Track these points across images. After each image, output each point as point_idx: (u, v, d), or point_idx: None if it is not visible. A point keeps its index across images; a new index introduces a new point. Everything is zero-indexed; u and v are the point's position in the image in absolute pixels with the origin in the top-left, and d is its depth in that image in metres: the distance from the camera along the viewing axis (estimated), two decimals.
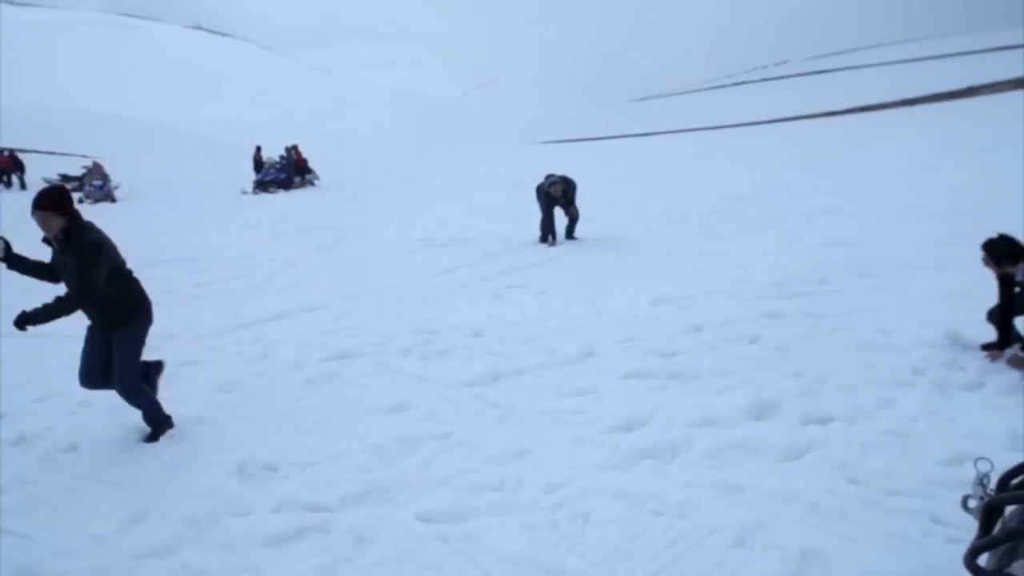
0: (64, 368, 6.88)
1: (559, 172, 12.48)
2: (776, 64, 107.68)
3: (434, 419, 5.41)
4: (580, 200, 12.25)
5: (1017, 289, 5.69)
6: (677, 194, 16.76)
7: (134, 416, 5.58)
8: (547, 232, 12.15)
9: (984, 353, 5.85)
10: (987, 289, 7.62)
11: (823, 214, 12.73)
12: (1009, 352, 5.66)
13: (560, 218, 12.28)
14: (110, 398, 6.04)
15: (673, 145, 34.43)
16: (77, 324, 8.50)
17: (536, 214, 12.28)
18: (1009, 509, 2.58)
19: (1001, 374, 5.53)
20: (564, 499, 4.14)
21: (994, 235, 5.75)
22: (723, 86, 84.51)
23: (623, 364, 6.21)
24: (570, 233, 12.38)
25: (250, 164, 28.27)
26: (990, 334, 6.15)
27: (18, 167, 29.44)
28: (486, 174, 25.04)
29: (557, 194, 11.98)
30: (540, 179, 12.36)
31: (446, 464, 4.69)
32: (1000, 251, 5.65)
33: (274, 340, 7.55)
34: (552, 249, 11.70)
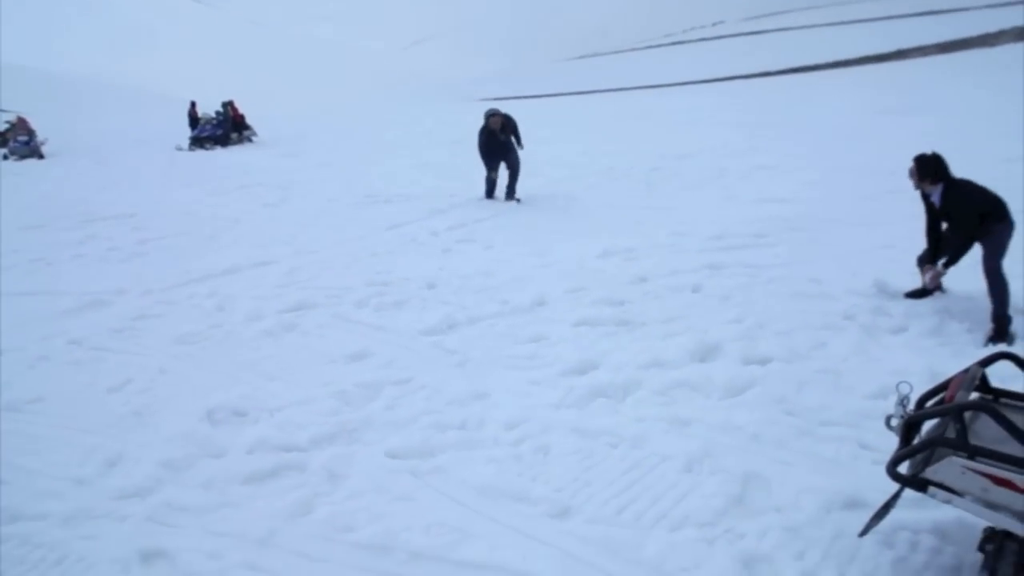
0: (13, 324, 6.88)
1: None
2: (713, 24, 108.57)
3: (394, 366, 5.61)
4: (524, 156, 12.29)
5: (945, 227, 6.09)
6: (618, 152, 17.03)
7: (96, 366, 5.66)
8: (492, 190, 12.08)
9: (907, 298, 6.36)
10: (912, 242, 8.12)
11: (759, 171, 13.17)
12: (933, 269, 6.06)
13: (502, 176, 12.10)
14: (70, 351, 6.11)
15: (613, 104, 34.70)
16: (18, 282, 8.45)
17: (480, 170, 12.16)
18: (926, 425, 2.93)
19: (923, 319, 5.98)
20: (524, 435, 4.40)
21: (929, 152, 6.09)
22: (661, 45, 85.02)
23: (573, 312, 6.49)
24: (511, 192, 12.08)
25: (184, 120, 27.58)
26: (915, 282, 6.61)
27: None
28: (427, 130, 24.94)
29: (496, 127, 11.72)
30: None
31: (409, 406, 4.90)
32: (926, 169, 6.01)
33: (228, 294, 7.60)
34: (498, 205, 11.79)
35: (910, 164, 6.14)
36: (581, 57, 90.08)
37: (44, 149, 23.08)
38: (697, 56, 60.70)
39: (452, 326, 6.40)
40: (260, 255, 9.21)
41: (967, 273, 6.79)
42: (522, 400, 4.91)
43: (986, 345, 5.54)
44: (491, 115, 11.82)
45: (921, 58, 37.78)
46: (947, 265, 5.94)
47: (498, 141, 11.85)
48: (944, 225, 6.20)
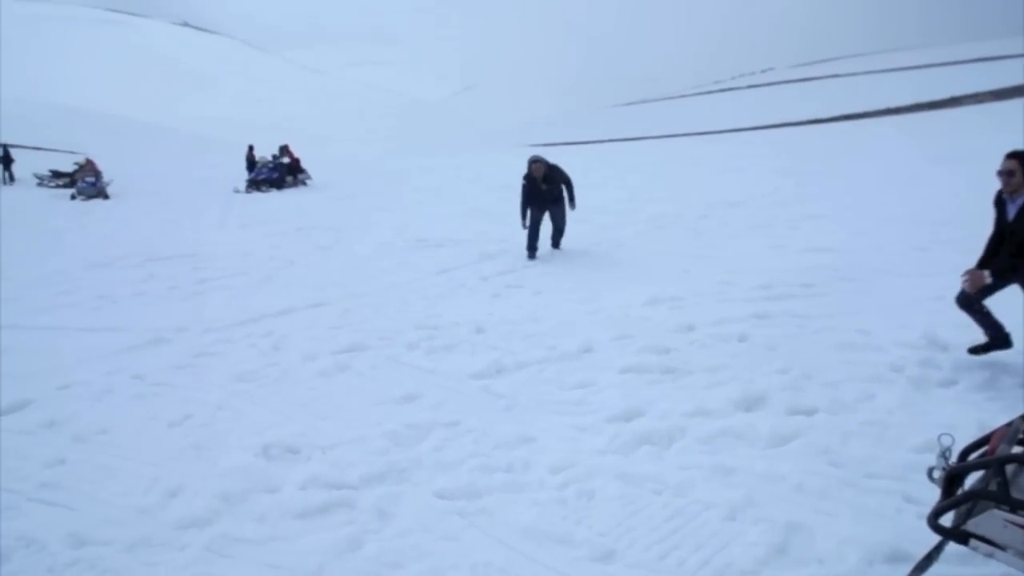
0: (80, 358, 7.21)
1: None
2: (763, 71, 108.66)
3: (443, 408, 5.74)
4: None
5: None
6: (666, 199, 17.15)
7: (158, 401, 5.91)
8: (533, 241, 11.33)
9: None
10: None
11: (808, 220, 13.14)
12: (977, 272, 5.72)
13: (546, 225, 11.54)
14: (133, 385, 6.38)
15: (662, 150, 34.91)
16: (84, 318, 8.82)
17: None
18: (971, 478, 2.96)
19: (973, 372, 5.92)
20: (569, 479, 4.48)
21: None
22: (711, 92, 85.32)
23: (620, 359, 6.57)
24: (556, 243, 11.69)
25: (242, 163, 28.50)
26: (965, 335, 6.56)
27: (7, 160, 29.57)
28: (476, 176, 25.37)
29: (538, 175, 11.13)
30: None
31: (458, 448, 5.02)
32: None
33: (284, 334, 7.86)
34: (544, 251, 11.61)
35: (1007, 164, 5.55)
36: (631, 103, 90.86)
37: (109, 190, 24.09)
38: (747, 103, 60.77)
39: (500, 370, 6.52)
40: (314, 296, 9.49)
41: (1022, 328, 6.76)
42: (568, 445, 4.99)
43: None
44: (534, 162, 11.30)
45: (975, 105, 37.34)
46: (994, 275, 5.59)
47: (539, 190, 11.27)
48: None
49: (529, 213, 11.39)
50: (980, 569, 3.28)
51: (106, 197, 23.46)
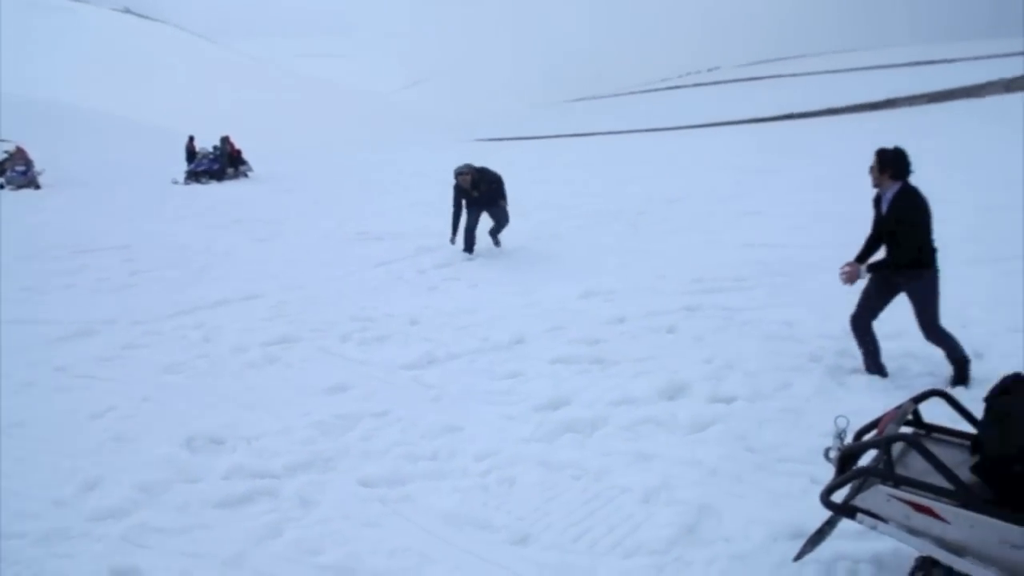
0: (4, 351, 7.04)
1: (493, 169, 11.43)
2: (709, 70, 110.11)
3: (373, 399, 5.77)
4: (515, 198, 12.38)
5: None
6: (609, 194, 17.33)
7: (81, 393, 5.82)
8: (458, 233, 11.04)
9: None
10: None
11: (745, 216, 13.43)
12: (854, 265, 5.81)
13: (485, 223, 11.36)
14: (56, 377, 6.26)
15: (607, 147, 35.16)
16: (9, 310, 8.59)
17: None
18: (866, 458, 3.10)
19: (887, 362, 6.15)
20: (492, 467, 4.56)
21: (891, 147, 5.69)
22: (658, 89, 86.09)
23: (551, 351, 6.67)
24: (495, 238, 11.46)
25: (182, 153, 27.93)
26: (881, 328, 6.81)
27: None
28: (421, 170, 25.27)
29: (466, 185, 10.79)
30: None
31: (384, 438, 5.05)
32: (888, 162, 5.58)
33: (215, 326, 7.77)
34: (484, 245, 11.52)
35: (873, 160, 5.70)
36: (580, 100, 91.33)
37: (41, 179, 23.32)
38: (692, 101, 61.55)
39: (432, 361, 6.57)
40: (249, 289, 9.39)
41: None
42: (494, 433, 5.06)
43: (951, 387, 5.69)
44: (460, 173, 10.86)
45: (910, 107, 38.40)
46: (870, 269, 5.75)
47: (472, 199, 11.00)
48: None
49: (465, 216, 11.15)
50: (876, 544, 3.43)
51: (37, 187, 22.73)
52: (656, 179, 19.91)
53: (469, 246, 11.21)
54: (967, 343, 6.43)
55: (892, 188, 5.64)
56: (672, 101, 66.39)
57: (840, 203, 14.19)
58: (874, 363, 5.99)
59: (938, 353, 6.23)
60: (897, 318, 7.18)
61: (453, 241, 11.14)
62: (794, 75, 72.58)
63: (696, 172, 20.91)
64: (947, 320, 7.07)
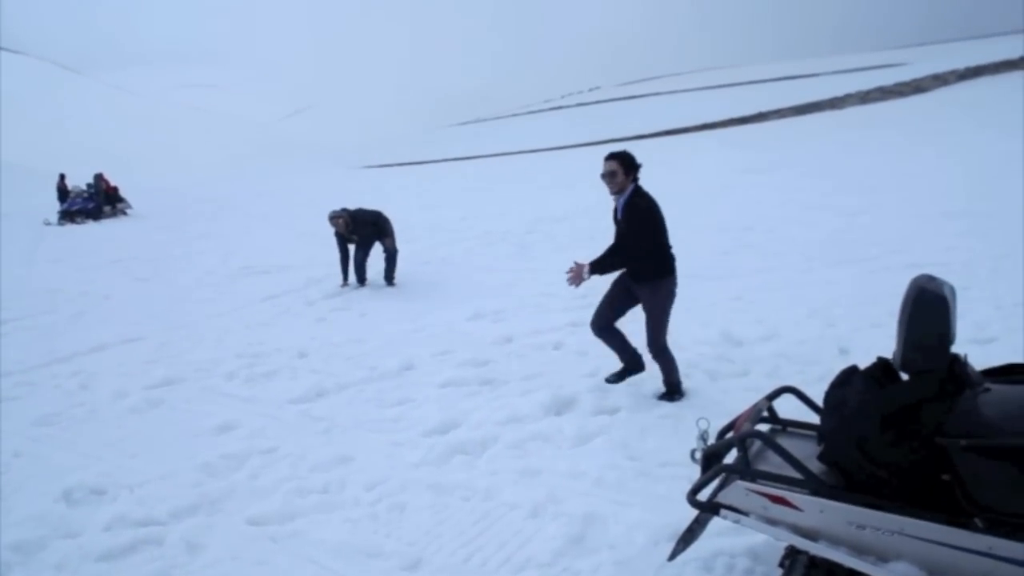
0: None
1: (366, 203, 11.43)
2: (590, 90, 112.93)
3: (261, 436, 5.69)
4: (404, 223, 12.38)
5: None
6: (496, 216, 17.59)
7: None
8: (361, 275, 10.96)
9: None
10: (760, 293, 8.82)
11: None
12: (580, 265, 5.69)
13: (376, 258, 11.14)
14: None
15: (494, 168, 35.61)
16: None
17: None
18: (731, 456, 3.31)
19: (762, 362, 6.52)
20: (383, 495, 4.59)
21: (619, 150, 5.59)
22: (541, 110, 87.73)
23: (439, 375, 6.75)
24: (388, 276, 10.98)
25: (53, 193, 26.68)
26: (756, 330, 7.21)
27: None
28: (307, 200, 24.96)
29: (342, 230, 10.67)
30: (362, 205, 11.35)
31: (273, 474, 5.00)
32: (630, 163, 5.49)
33: (93, 372, 7.50)
34: (373, 273, 11.29)
35: (607, 166, 5.53)
36: (463, 123, 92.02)
37: None
38: (575, 120, 63.00)
39: (320, 394, 6.53)
40: (129, 332, 9.09)
41: (804, 321, 7.48)
42: (384, 461, 5.09)
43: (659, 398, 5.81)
44: (333, 217, 10.67)
45: (779, 120, 40.49)
46: (594, 270, 5.65)
47: (352, 241, 10.89)
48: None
49: (353, 255, 10.97)
50: (750, 539, 3.65)
51: None
52: (542, 199, 20.33)
53: (360, 279, 11.04)
54: (834, 340, 6.90)
55: (629, 191, 5.55)
56: (556, 121, 67.75)
57: (717, 212, 14.91)
58: (629, 358, 6.10)
59: (811, 351, 6.65)
60: (770, 320, 7.64)
61: (345, 284, 11.04)
62: (671, 92, 75.30)
63: (580, 191, 21.38)
64: (815, 319, 7.57)
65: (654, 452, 4.86)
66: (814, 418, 3.38)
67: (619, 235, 5.76)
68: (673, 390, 5.83)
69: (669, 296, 5.81)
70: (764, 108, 43.34)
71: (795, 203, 14.72)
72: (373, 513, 4.37)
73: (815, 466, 2.91)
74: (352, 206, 11.06)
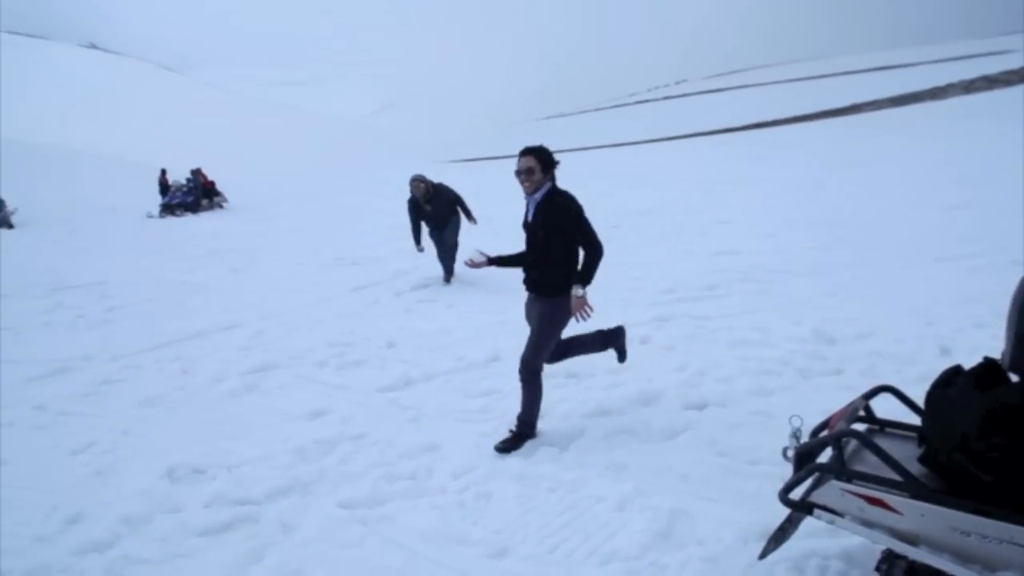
0: None
1: (461, 190, 11.23)
2: (676, 83, 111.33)
3: (351, 422, 5.83)
4: (489, 216, 12.40)
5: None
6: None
7: (61, 430, 5.85)
8: (420, 240, 10.78)
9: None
10: (855, 290, 8.55)
11: (716, 226, 13.64)
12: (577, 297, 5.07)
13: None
14: (35, 416, 6.27)
15: (578, 163, 35.44)
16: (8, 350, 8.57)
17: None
18: (825, 456, 3.22)
19: (856, 361, 6.31)
20: (469, 483, 4.64)
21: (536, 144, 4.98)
22: (626, 104, 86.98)
23: None
24: (448, 272, 10.86)
25: (155, 187, 27.90)
26: (851, 328, 6.98)
27: None
28: (395, 193, 25.33)
29: (418, 194, 10.47)
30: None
31: (363, 460, 5.12)
32: (550, 159, 4.96)
33: (193, 357, 7.82)
34: (460, 265, 11.21)
35: (523, 162, 4.91)
36: (548, 118, 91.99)
37: (14, 219, 23.23)
38: (662, 114, 62.23)
39: (408, 383, 6.65)
40: (226, 319, 9.43)
41: (902, 319, 7.21)
42: (470, 451, 5.15)
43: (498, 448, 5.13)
44: (415, 180, 10.54)
45: (875, 112, 39.10)
46: (494, 262, 5.25)
47: (424, 212, 10.72)
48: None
49: (434, 246, 10.91)
50: (844, 541, 3.55)
51: (10, 226, 22.64)
52: (628, 193, 20.13)
53: (447, 274, 11.02)
54: (934, 340, 6.62)
55: (544, 189, 4.95)
56: (641, 115, 67.01)
57: (808, 207, 14.48)
58: (602, 346, 5.53)
59: (906, 350, 6.40)
60: (865, 317, 7.39)
61: (419, 249, 10.88)
62: (760, 84, 73.56)
63: (667, 184, 21.17)
64: (913, 317, 7.28)
65: (743, 449, 4.77)
66: (913, 419, 3.26)
67: (531, 243, 5.07)
68: (523, 432, 5.13)
69: (567, 316, 5.09)
70: (858, 100, 41.93)
71: (891, 197, 14.20)
72: (460, 501, 4.43)
73: (915, 468, 2.80)
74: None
